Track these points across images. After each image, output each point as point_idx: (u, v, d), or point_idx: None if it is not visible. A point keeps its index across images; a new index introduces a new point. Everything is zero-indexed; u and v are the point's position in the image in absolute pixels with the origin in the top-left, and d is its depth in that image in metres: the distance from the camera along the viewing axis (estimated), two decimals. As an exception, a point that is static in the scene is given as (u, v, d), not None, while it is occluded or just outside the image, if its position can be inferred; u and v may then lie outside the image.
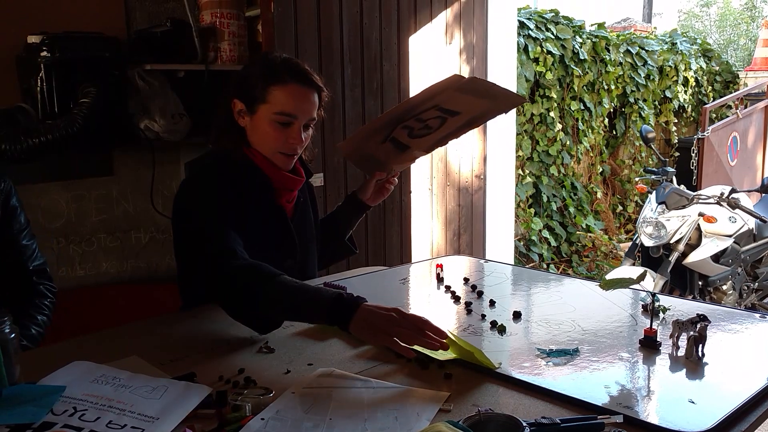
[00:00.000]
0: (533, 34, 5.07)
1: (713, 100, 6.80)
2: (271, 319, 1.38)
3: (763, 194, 3.81)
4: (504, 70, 3.79)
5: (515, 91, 1.90)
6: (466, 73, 3.53)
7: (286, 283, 1.34)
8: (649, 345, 1.29)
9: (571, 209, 5.60)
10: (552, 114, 5.29)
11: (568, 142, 5.53)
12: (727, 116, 6.17)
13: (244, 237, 1.53)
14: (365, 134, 1.87)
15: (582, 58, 5.49)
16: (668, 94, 6.57)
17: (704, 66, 7.04)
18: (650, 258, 3.49)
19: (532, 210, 5.26)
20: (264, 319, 1.38)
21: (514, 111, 3.98)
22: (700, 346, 1.23)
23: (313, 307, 1.28)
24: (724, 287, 3.56)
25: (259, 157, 1.64)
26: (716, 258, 3.46)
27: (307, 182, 1.88)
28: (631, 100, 6.15)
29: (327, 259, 2.02)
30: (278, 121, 1.59)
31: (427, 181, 3.46)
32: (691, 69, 6.80)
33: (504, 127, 3.87)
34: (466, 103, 1.73)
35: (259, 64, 1.64)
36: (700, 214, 3.42)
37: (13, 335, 1.11)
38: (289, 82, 1.58)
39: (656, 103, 6.50)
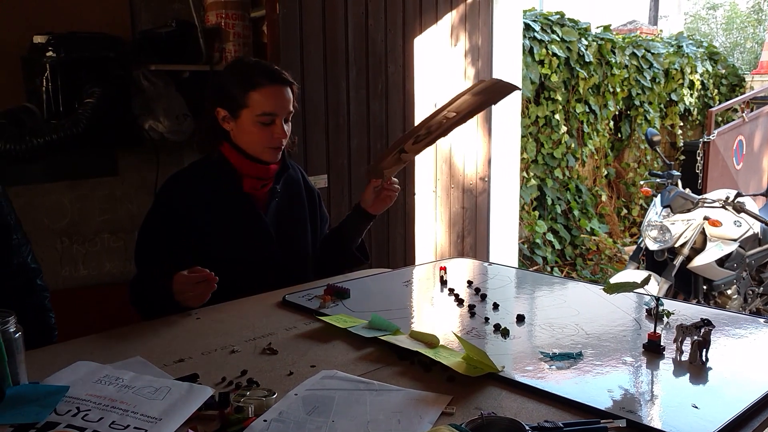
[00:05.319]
0: (539, 36, 5.07)
1: (719, 104, 6.77)
2: (153, 310, 1.61)
3: (769, 198, 3.80)
4: (509, 73, 3.78)
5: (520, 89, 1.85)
6: (471, 75, 3.53)
7: (145, 282, 1.68)
8: (653, 349, 1.28)
9: (576, 212, 5.59)
10: (557, 116, 5.29)
11: (573, 145, 5.52)
12: (733, 120, 6.14)
13: (217, 228, 1.75)
14: (389, 151, 1.91)
15: (587, 60, 5.48)
16: (674, 97, 6.55)
17: (710, 69, 7.02)
18: (655, 262, 3.48)
19: (537, 213, 5.26)
20: (147, 310, 1.66)
21: (519, 113, 3.98)
22: (704, 350, 1.23)
23: (155, 293, 1.58)
24: (729, 292, 3.55)
25: (233, 154, 1.79)
26: (721, 262, 3.45)
27: (308, 187, 1.99)
28: (637, 103, 6.13)
29: (336, 268, 2.03)
30: (261, 122, 1.74)
31: (431, 183, 3.46)
32: (697, 72, 6.77)
33: (509, 129, 3.87)
34: (464, 103, 1.75)
35: (233, 71, 1.80)
36: (705, 218, 3.41)
37: (18, 334, 1.11)
38: (265, 84, 1.73)
39: (662, 106, 6.48)
